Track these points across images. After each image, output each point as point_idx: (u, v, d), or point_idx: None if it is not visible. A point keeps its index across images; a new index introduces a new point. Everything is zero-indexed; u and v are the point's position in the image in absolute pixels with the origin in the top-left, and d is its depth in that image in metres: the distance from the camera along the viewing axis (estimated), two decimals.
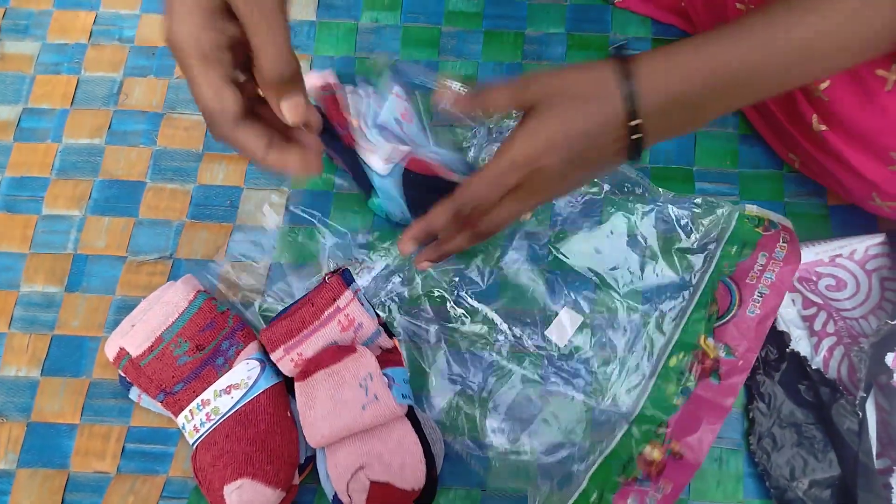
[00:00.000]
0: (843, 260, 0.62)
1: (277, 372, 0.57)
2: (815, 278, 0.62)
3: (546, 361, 0.61)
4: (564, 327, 0.62)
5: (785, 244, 0.61)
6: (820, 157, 0.61)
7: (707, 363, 0.59)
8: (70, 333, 0.64)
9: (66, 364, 0.63)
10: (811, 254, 0.62)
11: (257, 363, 0.56)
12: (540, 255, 0.64)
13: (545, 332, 0.62)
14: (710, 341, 0.59)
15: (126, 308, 0.63)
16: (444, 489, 0.58)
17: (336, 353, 0.52)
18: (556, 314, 0.62)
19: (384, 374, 0.53)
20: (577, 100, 0.47)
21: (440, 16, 0.75)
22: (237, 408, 0.54)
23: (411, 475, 0.52)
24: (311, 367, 0.52)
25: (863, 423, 0.56)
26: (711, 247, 0.63)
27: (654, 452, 0.57)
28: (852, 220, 0.65)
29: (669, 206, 0.64)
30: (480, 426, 0.59)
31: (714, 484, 0.58)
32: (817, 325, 0.61)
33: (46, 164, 0.69)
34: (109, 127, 0.71)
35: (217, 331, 0.57)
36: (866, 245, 0.63)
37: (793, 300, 0.61)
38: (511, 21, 0.74)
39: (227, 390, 0.55)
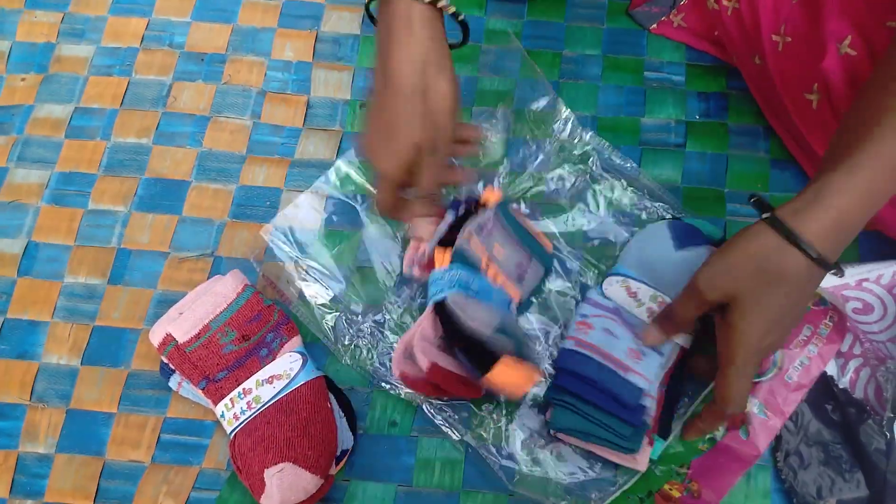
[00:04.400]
0: (869, 284, 0.63)
1: (318, 366, 0.58)
2: (841, 301, 0.63)
3: None
4: None
5: (831, 323, 0.61)
6: None
7: (739, 416, 0.59)
8: (111, 325, 0.65)
9: (105, 354, 0.64)
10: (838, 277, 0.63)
11: (299, 356, 0.57)
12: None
13: None
14: None
15: (167, 302, 0.65)
16: (472, 492, 0.59)
17: None
18: None
19: None
20: (772, 283, 0.49)
21: (480, 34, 0.77)
22: (279, 397, 0.56)
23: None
24: None
25: (890, 443, 0.57)
26: None
27: (672, 490, 0.58)
28: (880, 246, 0.66)
29: None
30: (506, 435, 0.60)
31: (742, 498, 0.59)
32: (844, 347, 0.62)
33: (95, 160, 0.72)
34: (157, 128, 0.73)
35: (263, 323, 0.58)
36: (893, 270, 0.63)
37: None
38: (549, 41, 0.77)
39: (270, 380, 0.56)
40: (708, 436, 0.60)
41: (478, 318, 0.55)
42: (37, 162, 0.72)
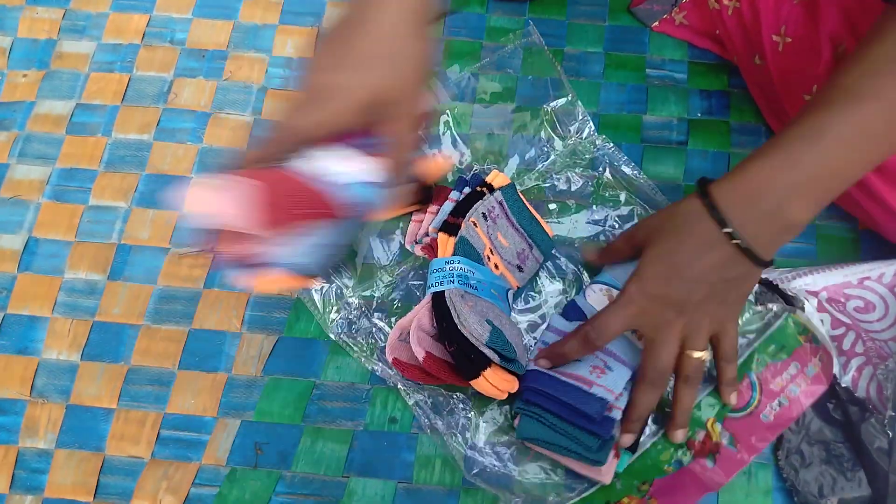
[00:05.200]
0: (871, 283, 0.63)
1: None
2: (843, 299, 0.63)
3: None
4: None
5: (819, 363, 0.60)
6: (851, 190, 0.62)
7: (708, 444, 0.59)
8: (111, 320, 0.65)
9: (105, 350, 0.64)
10: (840, 276, 0.63)
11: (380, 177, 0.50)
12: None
13: None
14: (718, 426, 0.59)
15: (167, 298, 0.65)
16: (472, 489, 0.59)
17: None
18: None
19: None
20: (672, 230, 0.54)
21: (482, 31, 0.77)
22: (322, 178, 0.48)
23: None
24: None
25: (893, 442, 0.56)
26: (750, 337, 0.61)
27: None
28: (882, 245, 0.66)
29: None
30: (473, 426, 0.60)
31: (743, 497, 0.58)
32: (846, 345, 0.61)
33: (95, 156, 0.72)
34: (158, 124, 0.73)
35: None
36: (895, 269, 0.63)
37: (822, 320, 0.62)
38: (551, 38, 0.76)
39: (344, 160, 0.48)
40: (674, 458, 0.59)
41: (472, 324, 0.55)
42: (38, 158, 0.72)
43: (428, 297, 0.58)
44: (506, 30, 0.77)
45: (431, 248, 0.61)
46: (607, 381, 0.57)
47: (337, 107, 0.47)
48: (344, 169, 0.49)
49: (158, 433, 0.61)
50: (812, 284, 0.62)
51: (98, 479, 0.60)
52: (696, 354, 0.55)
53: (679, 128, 0.73)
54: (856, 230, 0.68)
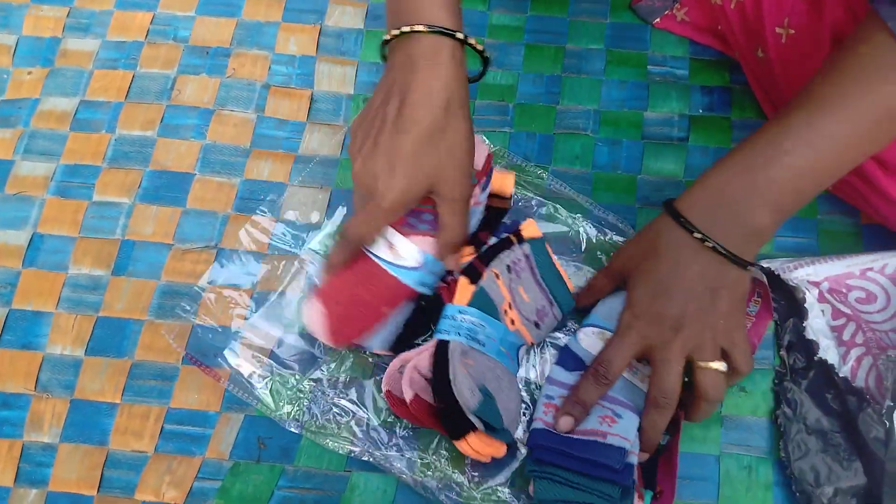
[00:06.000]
0: (873, 273, 0.63)
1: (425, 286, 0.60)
2: (844, 290, 0.63)
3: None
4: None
5: (759, 299, 0.61)
6: (853, 181, 0.62)
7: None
8: (114, 315, 0.65)
9: (109, 345, 0.64)
10: (842, 266, 0.63)
11: (422, 260, 0.58)
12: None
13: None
14: None
15: (170, 293, 0.65)
16: None
17: None
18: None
19: None
20: (650, 251, 0.55)
21: (483, 28, 0.77)
22: (377, 262, 0.58)
23: None
24: None
25: (890, 432, 0.56)
26: None
27: None
28: (885, 239, 0.66)
29: None
30: (449, 477, 0.59)
31: (743, 492, 0.58)
32: (846, 336, 0.62)
33: (99, 153, 0.72)
34: (161, 120, 0.73)
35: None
36: None
37: (822, 311, 0.62)
38: (552, 36, 0.77)
39: (391, 247, 0.58)
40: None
41: (464, 389, 0.53)
42: (42, 154, 0.72)
43: (433, 342, 0.57)
44: (508, 27, 0.77)
45: (449, 289, 0.59)
46: (619, 428, 0.55)
47: (391, 206, 0.54)
48: (406, 256, 0.58)
49: (162, 427, 0.61)
50: (814, 275, 0.62)
51: (102, 473, 0.60)
52: (709, 364, 0.53)
53: (680, 124, 0.73)
54: (858, 224, 0.68)
